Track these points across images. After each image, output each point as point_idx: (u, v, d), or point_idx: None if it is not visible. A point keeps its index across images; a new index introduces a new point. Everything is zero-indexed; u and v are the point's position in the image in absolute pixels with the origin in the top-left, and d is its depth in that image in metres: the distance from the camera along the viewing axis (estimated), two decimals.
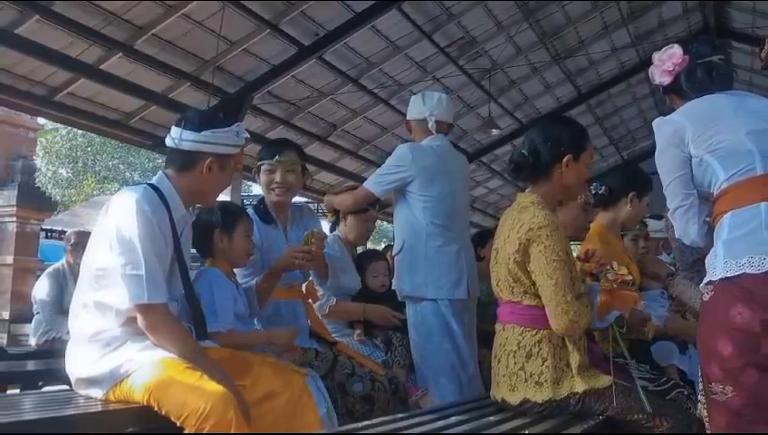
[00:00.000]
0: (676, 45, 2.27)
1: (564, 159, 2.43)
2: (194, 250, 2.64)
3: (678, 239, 2.82)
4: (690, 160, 2.12)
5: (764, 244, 1.92)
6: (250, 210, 3.06)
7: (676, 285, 3.00)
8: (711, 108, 2.15)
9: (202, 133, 2.28)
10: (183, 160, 2.32)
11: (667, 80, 2.28)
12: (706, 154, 2.08)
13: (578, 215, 3.30)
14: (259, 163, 3.11)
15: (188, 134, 2.29)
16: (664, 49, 2.29)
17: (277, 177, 3.06)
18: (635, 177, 3.25)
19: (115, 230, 2.13)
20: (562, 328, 2.28)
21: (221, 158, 2.33)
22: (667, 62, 2.26)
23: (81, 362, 2.19)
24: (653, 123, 2.25)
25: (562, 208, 3.11)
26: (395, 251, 3.54)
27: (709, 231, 2.16)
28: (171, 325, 2.17)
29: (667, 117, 2.20)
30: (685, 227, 2.20)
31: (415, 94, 3.86)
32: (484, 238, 4.32)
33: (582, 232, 3.42)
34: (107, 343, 2.16)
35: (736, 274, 1.93)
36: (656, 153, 2.21)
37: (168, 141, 2.33)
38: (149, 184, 2.29)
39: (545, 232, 2.28)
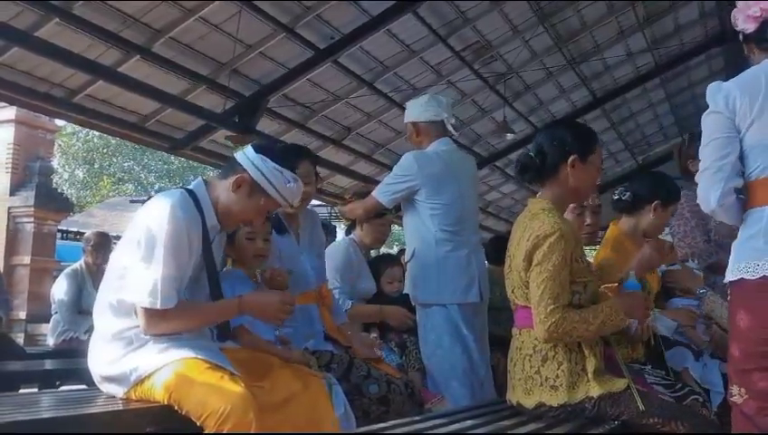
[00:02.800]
0: None
1: (570, 160, 2.42)
2: None
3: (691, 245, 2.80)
4: (736, 132, 1.97)
5: (758, 250, 1.90)
6: None
7: (706, 302, 2.96)
8: (762, 81, 1.95)
9: (258, 154, 2.32)
10: (226, 167, 2.40)
11: (751, 27, 2.04)
12: (745, 136, 1.95)
13: (572, 220, 3.25)
14: None
15: (249, 150, 2.34)
16: None
17: None
18: (662, 185, 3.14)
19: (145, 231, 2.15)
20: (541, 337, 2.30)
21: (254, 184, 2.30)
22: (753, 6, 2.02)
23: (103, 359, 2.22)
24: (708, 87, 2.06)
25: None
26: (407, 258, 3.56)
27: (734, 206, 2.00)
28: (177, 316, 2.17)
29: (724, 84, 2.03)
30: (707, 191, 2.00)
31: (419, 97, 3.84)
32: None
33: (586, 236, 3.39)
34: (129, 341, 2.18)
35: (737, 278, 1.94)
36: (703, 115, 2.06)
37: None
38: (186, 189, 2.30)
39: (549, 241, 2.29)
